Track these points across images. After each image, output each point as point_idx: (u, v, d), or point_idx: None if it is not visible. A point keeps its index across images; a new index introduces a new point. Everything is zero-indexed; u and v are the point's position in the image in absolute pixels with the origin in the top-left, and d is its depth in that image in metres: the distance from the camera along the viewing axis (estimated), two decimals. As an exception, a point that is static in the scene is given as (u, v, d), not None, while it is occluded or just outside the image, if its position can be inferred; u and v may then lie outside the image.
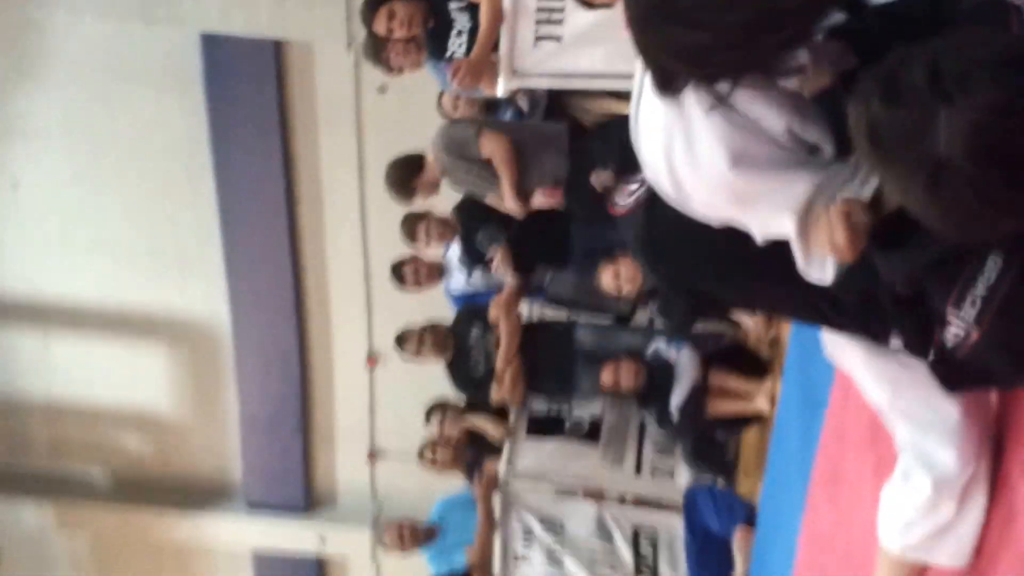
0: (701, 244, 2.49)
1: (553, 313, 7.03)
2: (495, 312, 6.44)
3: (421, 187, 6.11)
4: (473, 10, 5.79)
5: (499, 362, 6.43)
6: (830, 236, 2.14)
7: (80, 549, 10.42)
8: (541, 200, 5.97)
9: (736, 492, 5.91)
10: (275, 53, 8.59)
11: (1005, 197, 1.73)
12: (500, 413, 6.88)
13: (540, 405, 6.75)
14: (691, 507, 5.75)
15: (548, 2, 5.36)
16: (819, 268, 2.26)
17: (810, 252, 2.25)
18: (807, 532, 3.87)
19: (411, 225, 6.68)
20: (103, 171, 9.12)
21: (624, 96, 4.68)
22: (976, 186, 1.72)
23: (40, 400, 9.98)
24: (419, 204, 6.47)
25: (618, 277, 5.87)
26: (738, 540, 5.52)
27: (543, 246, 6.43)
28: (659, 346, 6.17)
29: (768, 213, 2.25)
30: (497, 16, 5.47)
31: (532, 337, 6.51)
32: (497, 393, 6.54)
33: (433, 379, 7.17)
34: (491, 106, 6.55)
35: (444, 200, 6.67)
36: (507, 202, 5.87)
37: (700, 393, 5.77)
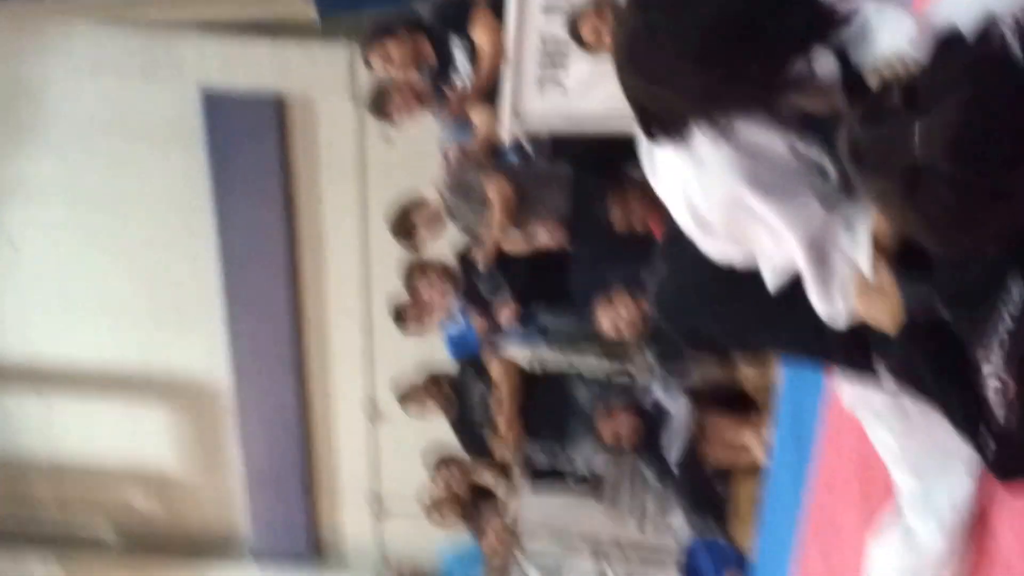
0: (716, 296, 2.52)
1: (552, 357, 6.97)
2: (496, 371, 6.50)
3: (422, 221, 6.18)
4: (474, 48, 5.88)
5: (500, 421, 6.49)
6: (881, 308, 2.16)
7: (88, 605, 10.43)
8: (544, 237, 6.05)
9: (730, 538, 5.89)
10: (276, 107, 8.63)
11: (985, 193, 1.72)
12: (502, 464, 6.91)
13: (540, 456, 6.73)
14: (691, 568, 5.74)
15: (551, 46, 5.50)
16: (833, 304, 2.27)
17: (829, 287, 2.26)
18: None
19: (410, 279, 6.61)
20: (103, 230, 9.15)
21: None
22: (954, 185, 1.71)
23: (44, 460, 9.98)
24: (422, 241, 6.46)
25: (617, 320, 5.86)
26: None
27: (543, 288, 6.46)
28: (657, 396, 6.16)
29: (778, 237, 2.27)
30: (498, 56, 5.60)
31: (531, 388, 6.53)
32: (499, 448, 6.60)
33: (436, 427, 7.17)
34: (495, 149, 6.63)
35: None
36: (490, 233, 5.95)
37: (696, 443, 5.77)
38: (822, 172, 2.27)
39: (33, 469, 10.01)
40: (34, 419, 9.84)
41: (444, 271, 6.58)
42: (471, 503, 6.98)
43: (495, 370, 6.53)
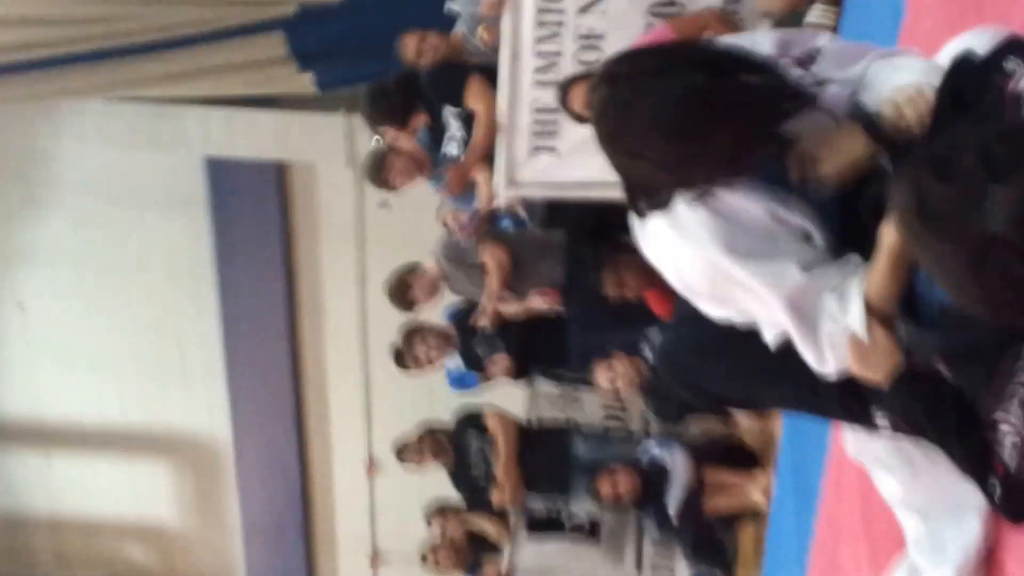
0: (717, 354, 2.53)
1: (550, 414, 7.17)
2: (493, 424, 6.63)
3: (419, 286, 6.25)
4: (468, 119, 5.90)
5: (499, 472, 6.59)
6: (875, 367, 2.17)
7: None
8: (538, 301, 6.21)
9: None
10: (277, 174, 8.78)
11: None
12: (500, 514, 7.05)
13: (539, 504, 6.85)
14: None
15: (543, 115, 5.51)
16: (824, 364, 2.27)
17: (819, 346, 2.25)
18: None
19: (409, 341, 6.59)
20: (108, 293, 9.27)
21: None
22: None
23: (44, 516, 10.09)
24: (419, 304, 6.49)
25: (614, 375, 5.93)
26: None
27: (540, 350, 6.55)
28: (654, 452, 6.20)
29: (763, 300, 2.26)
30: (492, 128, 5.61)
31: (529, 444, 6.63)
32: (497, 498, 6.69)
33: (433, 481, 7.33)
34: (491, 216, 6.62)
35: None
36: (486, 300, 6.07)
37: (696, 495, 5.84)
38: (806, 237, 2.26)
39: (32, 524, 10.12)
40: (35, 475, 9.96)
41: (441, 335, 6.63)
42: (468, 551, 7.16)
43: (491, 423, 6.63)
